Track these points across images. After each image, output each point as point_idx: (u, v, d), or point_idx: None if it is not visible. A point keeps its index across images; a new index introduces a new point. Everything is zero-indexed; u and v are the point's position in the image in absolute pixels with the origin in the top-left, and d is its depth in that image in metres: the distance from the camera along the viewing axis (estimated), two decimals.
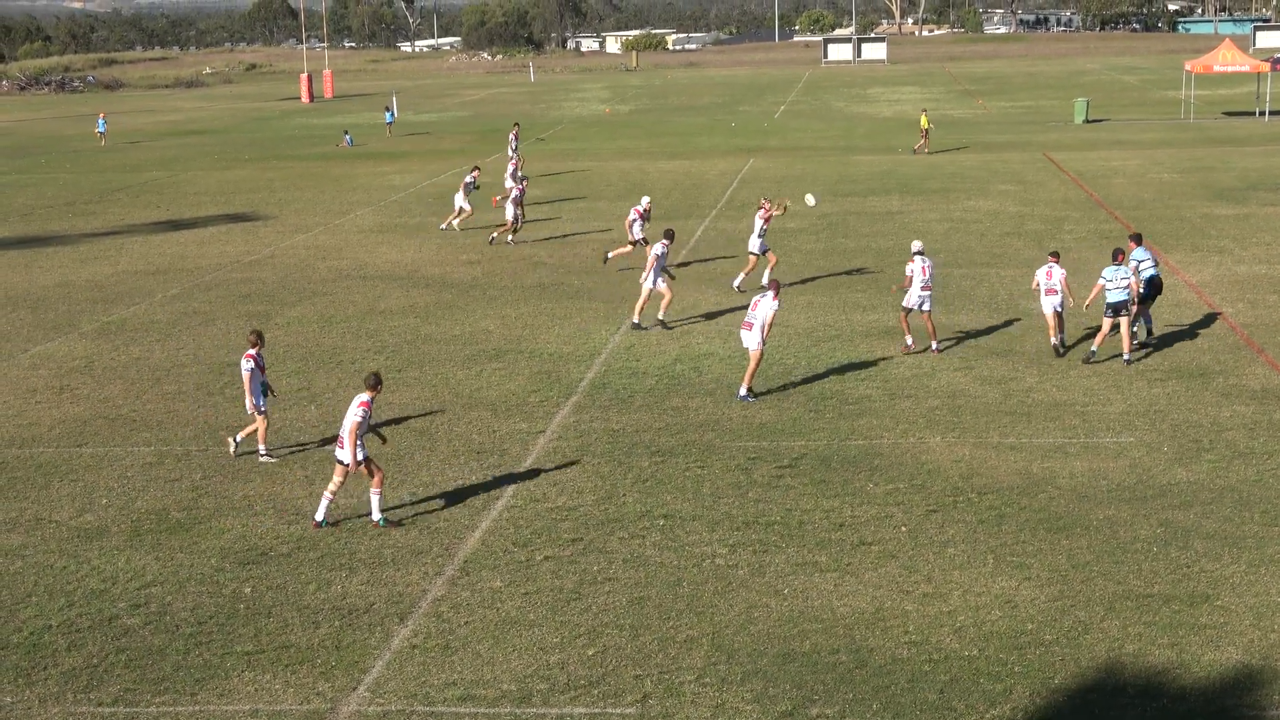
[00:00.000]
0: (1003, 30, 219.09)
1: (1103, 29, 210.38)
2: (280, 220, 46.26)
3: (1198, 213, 42.65)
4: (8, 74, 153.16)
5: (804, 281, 33.48)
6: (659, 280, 28.64)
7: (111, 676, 14.49)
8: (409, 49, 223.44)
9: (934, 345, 26.66)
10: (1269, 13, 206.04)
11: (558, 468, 20.67)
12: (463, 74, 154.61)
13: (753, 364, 23.82)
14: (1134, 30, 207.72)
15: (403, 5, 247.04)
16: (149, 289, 35.09)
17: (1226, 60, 75.12)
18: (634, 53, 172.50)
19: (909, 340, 26.72)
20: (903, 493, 19.31)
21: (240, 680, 14.38)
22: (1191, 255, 35.56)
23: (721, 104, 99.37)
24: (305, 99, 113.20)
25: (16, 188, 57.96)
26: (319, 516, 18.51)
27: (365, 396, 18.33)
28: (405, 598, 16.29)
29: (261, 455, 21.34)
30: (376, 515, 18.48)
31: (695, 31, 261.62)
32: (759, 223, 32.47)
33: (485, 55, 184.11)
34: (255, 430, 21.42)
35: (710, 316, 30.15)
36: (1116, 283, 25.24)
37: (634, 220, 34.65)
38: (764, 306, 23.58)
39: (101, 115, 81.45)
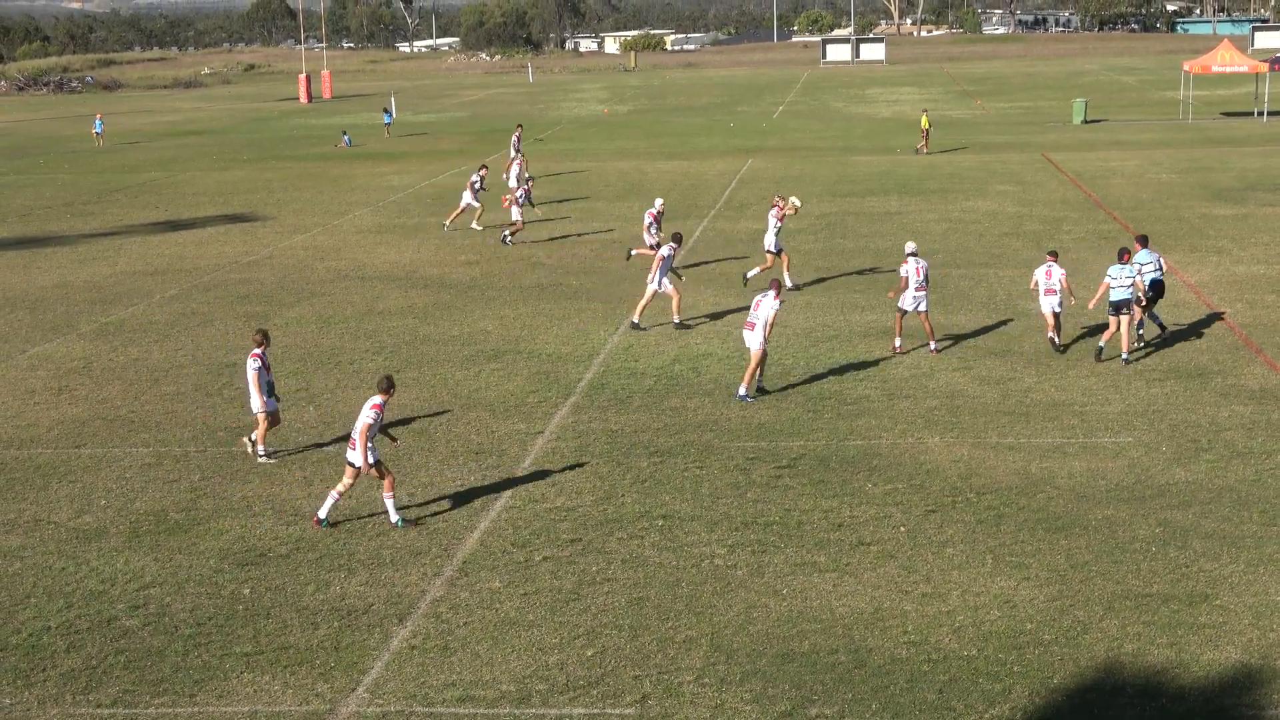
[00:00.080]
0: (1001, 31, 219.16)
1: (1101, 29, 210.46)
2: (279, 221, 46.25)
3: (1196, 213, 42.66)
4: (6, 74, 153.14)
5: (807, 285, 33.46)
6: (665, 281, 28.69)
7: (110, 678, 14.49)
8: (407, 49, 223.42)
9: (932, 345, 26.67)
10: (1267, 13, 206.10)
11: (556, 468, 20.67)
12: (461, 74, 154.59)
13: (753, 364, 23.82)
14: (1132, 31, 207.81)
15: (401, 6, 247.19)
16: (147, 290, 35.08)
17: (1225, 61, 75.15)
18: (632, 53, 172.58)
19: (897, 342, 26.72)
20: (901, 493, 19.31)
21: (239, 681, 14.38)
22: (1190, 255, 35.56)
23: (720, 104, 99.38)
24: (304, 99, 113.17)
25: (15, 188, 57.94)
26: (321, 514, 18.51)
27: (377, 399, 18.34)
28: (404, 598, 16.29)
29: (261, 456, 21.34)
30: (394, 517, 18.48)
31: (694, 32, 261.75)
32: (773, 221, 32.51)
33: (484, 56, 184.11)
34: (271, 427, 21.44)
35: (709, 317, 30.14)
36: (1121, 281, 25.34)
37: (649, 224, 34.51)
38: (765, 306, 23.59)
39: (99, 116, 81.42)
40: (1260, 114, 75.08)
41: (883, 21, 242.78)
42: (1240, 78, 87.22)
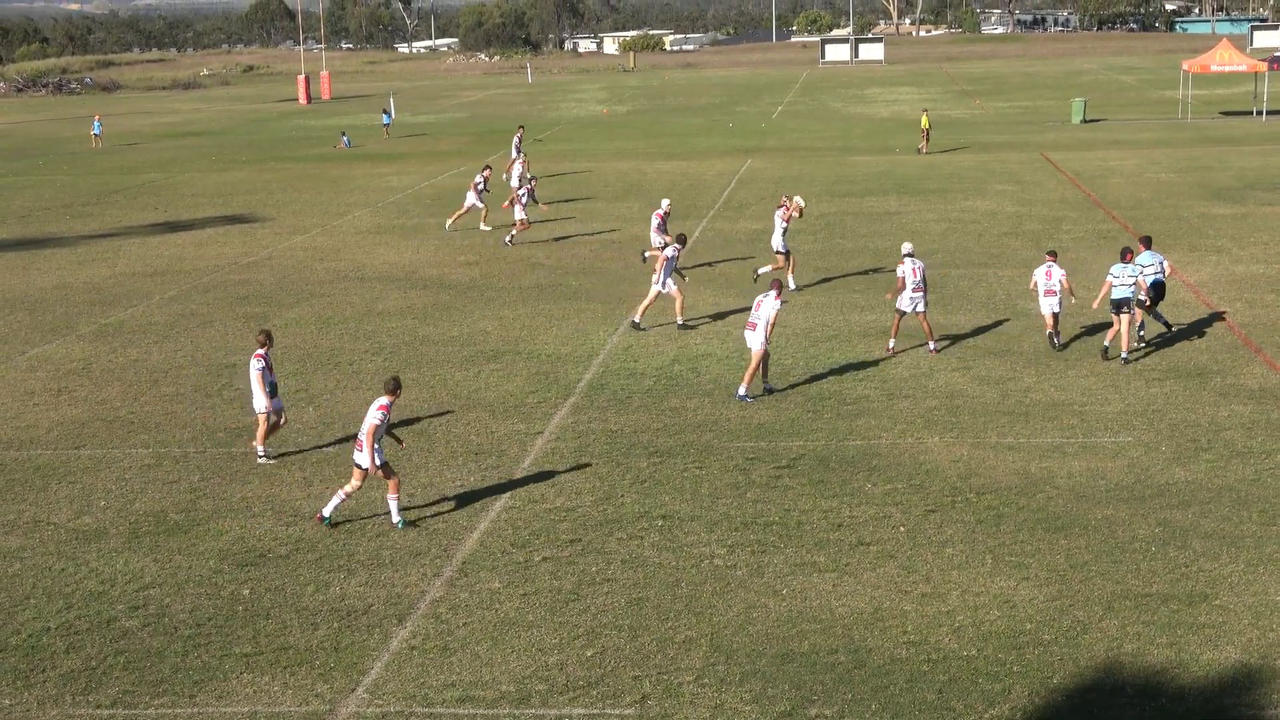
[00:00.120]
0: (1000, 30, 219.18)
1: (1100, 29, 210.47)
2: (278, 222, 46.25)
3: (1195, 212, 42.67)
4: (5, 76, 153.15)
5: (807, 285, 33.45)
6: (669, 282, 28.72)
7: (110, 678, 14.49)
8: (406, 50, 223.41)
9: (931, 345, 26.67)
10: (1266, 12, 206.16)
11: (556, 469, 20.67)
12: (460, 75, 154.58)
13: (753, 364, 23.82)
14: (1131, 30, 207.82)
15: (400, 6, 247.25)
16: (147, 291, 35.08)
17: (1224, 60, 75.13)
18: (631, 53, 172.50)
19: (891, 343, 26.71)
20: (901, 493, 19.31)
21: (239, 682, 14.38)
22: (1189, 255, 35.56)
23: (719, 104, 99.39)
24: (303, 100, 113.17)
25: (14, 189, 57.94)
26: (325, 511, 18.50)
27: (384, 400, 18.34)
28: (404, 599, 16.29)
29: (259, 457, 21.34)
30: (396, 518, 18.48)
31: (692, 32, 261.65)
32: (780, 222, 32.53)
33: (483, 56, 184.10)
34: (276, 427, 21.42)
35: (709, 317, 30.13)
36: (1123, 280, 25.39)
37: (658, 224, 34.44)
38: (766, 306, 23.59)
39: (97, 117, 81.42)
40: (1259, 113, 75.08)
41: (881, 21, 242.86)
42: (1239, 77, 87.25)
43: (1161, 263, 27.12)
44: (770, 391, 24.12)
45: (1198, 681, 13.90)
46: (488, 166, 45.03)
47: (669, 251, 28.93)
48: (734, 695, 13.84)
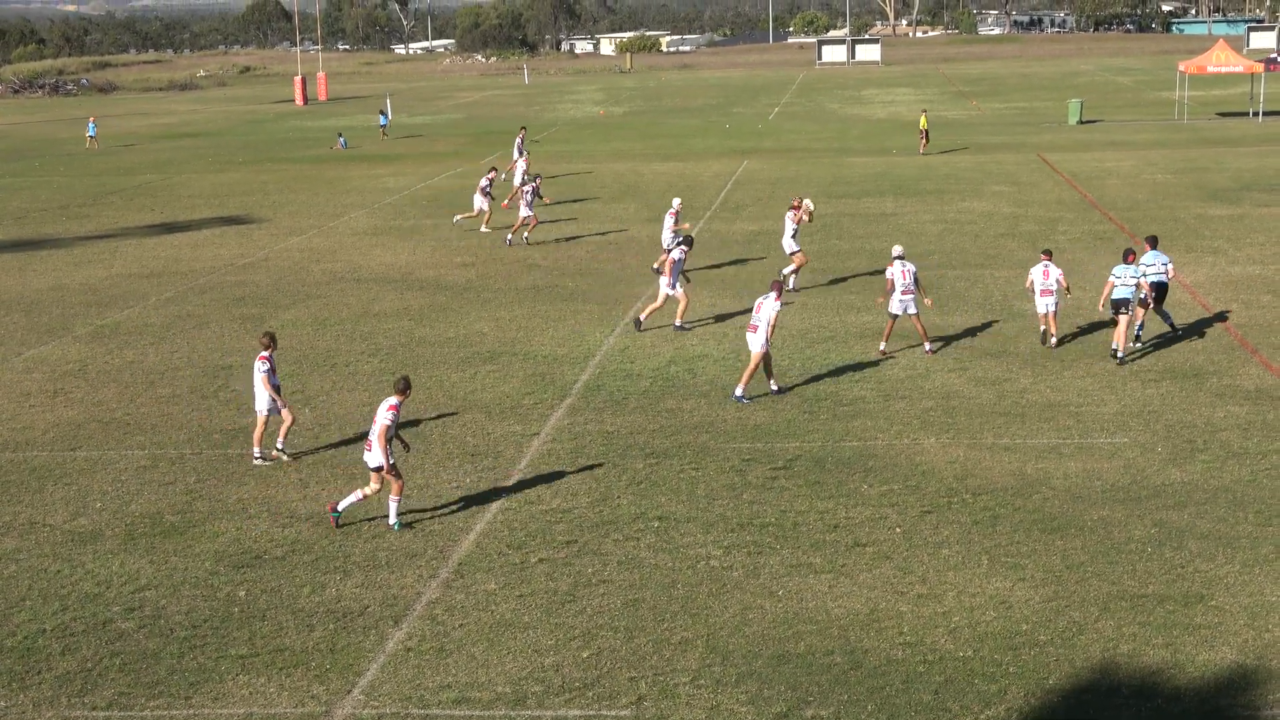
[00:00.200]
0: (997, 31, 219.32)
1: (1096, 30, 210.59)
2: (274, 223, 46.24)
3: (1192, 213, 42.69)
4: (1, 77, 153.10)
5: (803, 287, 33.44)
6: (677, 285, 28.76)
7: (106, 680, 14.48)
8: (403, 51, 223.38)
9: (927, 346, 26.68)
10: (1262, 13, 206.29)
11: (552, 470, 20.66)
12: (457, 76, 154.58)
13: (751, 365, 23.81)
14: (1128, 31, 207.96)
15: (397, 7, 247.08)
16: (143, 292, 35.07)
17: (1220, 61, 75.17)
18: (628, 55, 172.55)
19: (882, 345, 26.70)
20: (897, 494, 19.31)
21: (235, 684, 14.37)
22: (1186, 256, 35.57)
23: (716, 106, 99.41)
24: (299, 101, 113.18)
25: (10, 191, 57.91)
26: (342, 505, 18.47)
27: (394, 400, 18.35)
28: (400, 600, 16.28)
29: (256, 458, 21.33)
30: (393, 520, 18.47)
31: (689, 33, 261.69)
32: (790, 224, 32.58)
33: (479, 58, 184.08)
34: (288, 425, 21.40)
35: (705, 319, 30.13)
36: (1125, 280, 25.46)
37: (671, 224, 34.35)
38: (767, 308, 23.58)
39: (92, 119, 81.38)
40: (1255, 114, 75.14)
41: (878, 22, 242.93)
42: (1235, 78, 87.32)
43: (1166, 264, 27.18)
44: (781, 392, 24.11)
45: (1194, 682, 13.90)
46: (493, 169, 45.12)
47: (676, 254, 28.97)
48: (730, 696, 13.84)
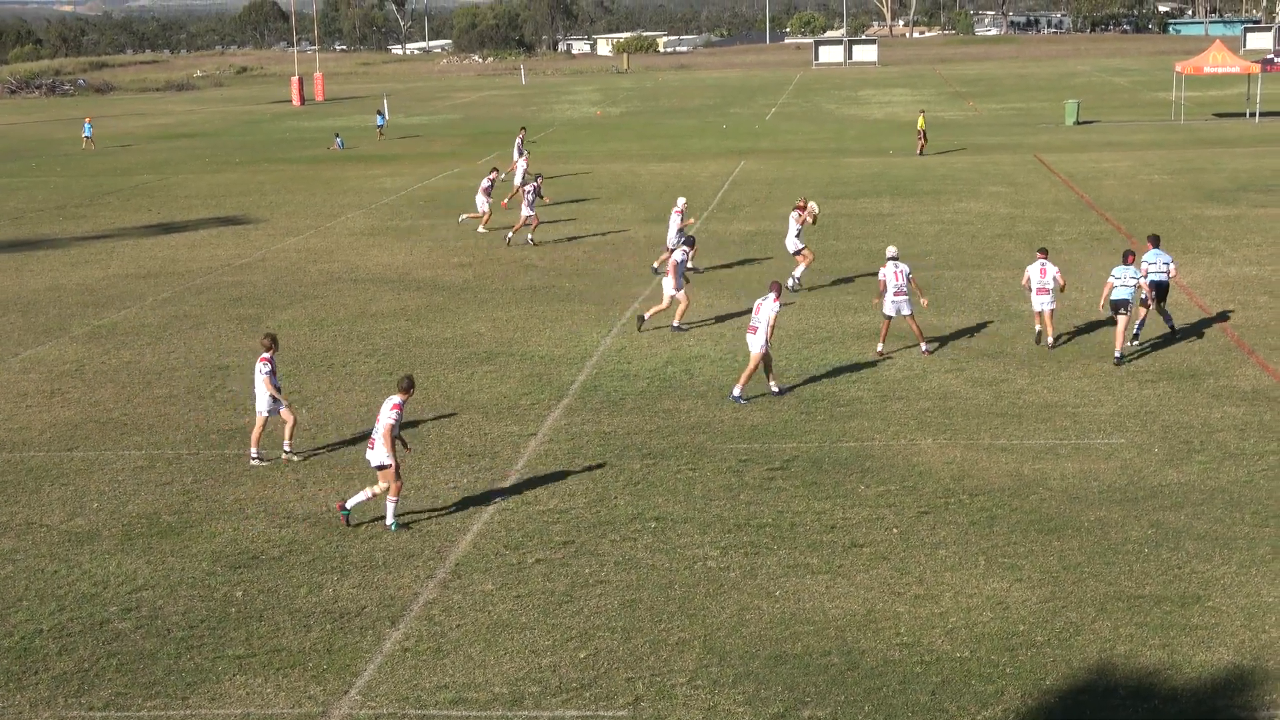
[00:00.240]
0: (993, 32, 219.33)
1: (1093, 30, 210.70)
2: (271, 223, 46.23)
3: (1188, 214, 42.72)
4: None
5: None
6: (680, 286, 28.80)
7: (102, 681, 14.47)
8: (400, 52, 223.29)
9: (923, 346, 26.68)
10: (1259, 14, 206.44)
11: (549, 471, 20.66)
12: (454, 77, 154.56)
13: (751, 366, 23.81)
14: (1124, 32, 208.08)
15: (394, 8, 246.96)
16: (140, 292, 35.05)
17: (1217, 62, 75.23)
18: (625, 55, 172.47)
19: (880, 346, 26.71)
20: (894, 495, 19.32)
21: (232, 684, 14.36)
22: (1182, 257, 35.56)
23: (713, 106, 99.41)
24: (296, 102, 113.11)
25: (7, 191, 57.87)
26: (350, 503, 18.46)
27: (397, 399, 18.35)
28: (397, 601, 16.28)
29: (253, 459, 21.32)
30: (390, 520, 18.47)
31: (686, 34, 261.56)
32: (794, 224, 32.61)
33: (476, 58, 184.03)
34: (291, 426, 21.38)
35: (702, 320, 30.12)
36: (1124, 281, 25.48)
37: (679, 224, 34.35)
38: (766, 309, 23.58)
39: (88, 120, 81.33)
40: (1252, 115, 75.21)
41: (875, 23, 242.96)
42: (1232, 79, 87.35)
43: (1168, 263, 27.21)
44: (780, 392, 24.10)
45: (1190, 683, 13.91)
46: (495, 169, 45.16)
47: (679, 256, 29.00)
48: (727, 697, 13.84)
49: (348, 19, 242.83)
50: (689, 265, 30.60)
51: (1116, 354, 25.64)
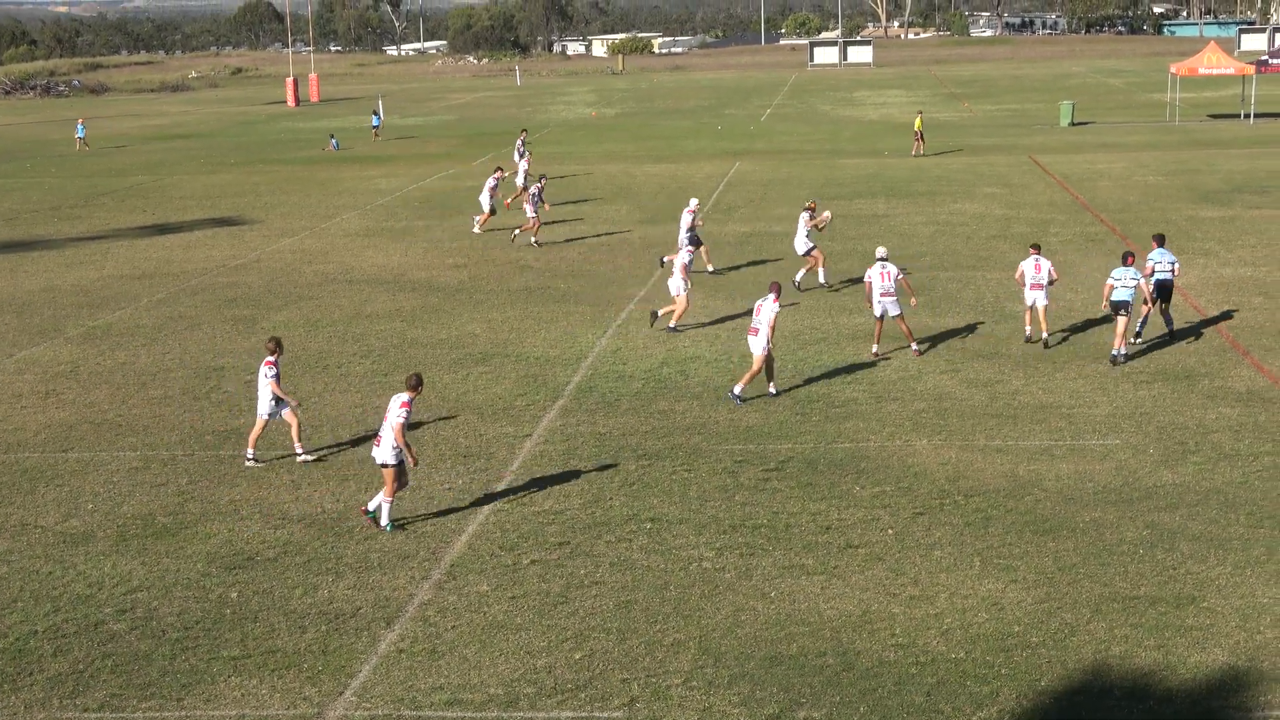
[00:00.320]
0: (988, 33, 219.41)
1: (1088, 32, 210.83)
2: (266, 224, 46.20)
3: (1183, 215, 42.75)
4: None
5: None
6: (685, 286, 28.83)
7: (97, 682, 14.46)
8: (395, 53, 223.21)
9: (913, 346, 26.70)
10: (1254, 15, 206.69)
11: (544, 472, 20.66)
12: (449, 78, 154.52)
13: (754, 367, 23.80)
14: (1119, 33, 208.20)
15: (388, 9, 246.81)
16: (135, 293, 35.02)
17: (1211, 63, 75.27)
18: (620, 56, 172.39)
19: (875, 348, 26.71)
20: (889, 495, 19.33)
21: (226, 685, 14.35)
22: (1177, 257, 35.57)
23: (708, 107, 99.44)
24: (291, 103, 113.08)
25: (2, 192, 57.81)
26: (371, 506, 18.47)
27: (405, 396, 18.34)
28: (392, 602, 16.27)
29: (249, 460, 21.30)
30: (385, 521, 18.46)
31: (681, 35, 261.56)
32: (804, 225, 32.66)
33: (471, 59, 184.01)
34: (297, 427, 21.36)
35: (698, 321, 30.12)
36: (1125, 282, 25.51)
37: (690, 225, 34.32)
38: (767, 310, 23.58)
39: (81, 121, 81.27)
40: (1247, 116, 75.27)
41: (870, 24, 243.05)
42: (1227, 80, 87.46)
43: (1172, 262, 27.25)
44: (778, 393, 24.10)
45: (1185, 684, 13.92)
46: (499, 169, 45.09)
47: (683, 256, 29.09)
48: (722, 698, 13.84)
49: (343, 20, 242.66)
50: (706, 266, 30.56)
51: (1113, 352, 25.66)
